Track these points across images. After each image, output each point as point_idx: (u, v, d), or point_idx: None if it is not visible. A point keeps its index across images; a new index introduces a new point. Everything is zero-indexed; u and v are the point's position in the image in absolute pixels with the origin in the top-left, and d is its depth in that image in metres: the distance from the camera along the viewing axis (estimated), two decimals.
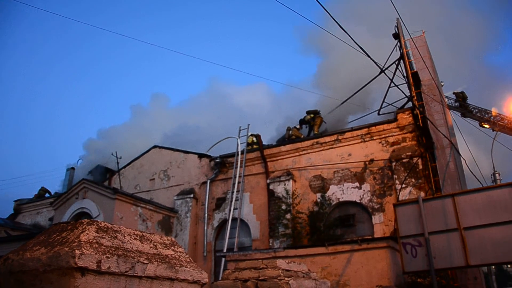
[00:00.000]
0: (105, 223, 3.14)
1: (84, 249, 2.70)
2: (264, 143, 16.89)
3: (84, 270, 2.65)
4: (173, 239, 3.70)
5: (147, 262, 3.05)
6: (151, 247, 3.28)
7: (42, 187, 23.91)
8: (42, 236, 3.15)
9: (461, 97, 25.27)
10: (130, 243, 3.13)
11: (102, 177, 20.98)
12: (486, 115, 24.89)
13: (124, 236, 3.15)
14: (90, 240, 2.84)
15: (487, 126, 24.38)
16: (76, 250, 2.64)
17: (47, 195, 23.36)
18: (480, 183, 16.04)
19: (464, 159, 16.29)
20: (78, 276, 2.63)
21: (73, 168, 25.00)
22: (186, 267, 3.36)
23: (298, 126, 17.62)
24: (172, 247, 3.51)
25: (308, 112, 17.77)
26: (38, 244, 2.99)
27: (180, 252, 3.53)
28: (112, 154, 18.98)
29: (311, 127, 17.42)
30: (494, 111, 24.92)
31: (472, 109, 25.32)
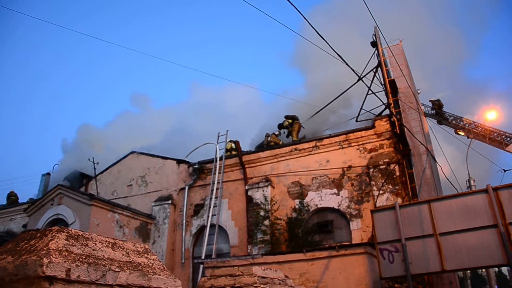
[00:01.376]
0: (76, 230, 3.06)
1: (53, 257, 2.62)
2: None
3: (52, 279, 2.57)
4: (147, 246, 3.63)
5: (119, 270, 2.98)
6: (123, 255, 3.21)
7: (11, 192, 23.36)
8: (10, 244, 3.05)
9: (437, 105, 25.74)
10: (102, 250, 3.06)
11: (79, 183, 20.62)
12: (461, 123, 25.40)
13: (96, 244, 3.07)
14: (60, 248, 2.76)
15: (462, 134, 24.87)
16: (44, 259, 2.55)
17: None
18: (456, 189, 16.34)
19: (440, 165, 16.56)
20: (46, 286, 2.55)
21: (48, 174, 24.48)
22: (159, 275, 3.30)
23: (277, 133, 17.63)
24: (145, 255, 3.44)
25: (286, 117, 17.83)
26: (5, 252, 2.89)
27: (153, 259, 3.47)
28: (89, 159, 18.66)
29: (289, 133, 17.47)
30: (466, 119, 25.47)
31: (448, 117, 25.81)
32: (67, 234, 2.94)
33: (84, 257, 2.85)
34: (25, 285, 2.58)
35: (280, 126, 17.82)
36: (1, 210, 22.37)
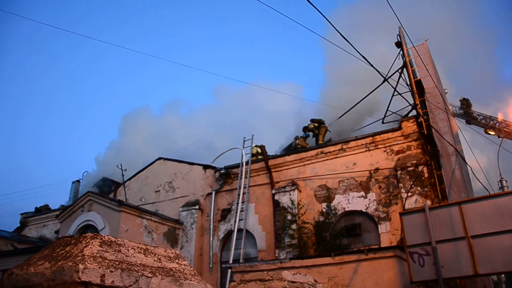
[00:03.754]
0: (108, 236, 3.13)
1: (88, 263, 2.69)
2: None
3: (87, 284, 2.63)
4: (178, 252, 3.68)
5: (151, 275, 3.02)
6: (155, 261, 3.26)
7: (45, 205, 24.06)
8: (46, 251, 3.14)
9: (465, 104, 25.23)
10: (134, 256, 3.12)
11: (108, 190, 21.02)
12: (491, 122, 24.81)
13: (128, 250, 3.13)
14: (94, 254, 2.83)
15: (493, 133, 24.28)
16: (79, 265, 2.62)
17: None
18: (487, 190, 15.91)
19: (470, 166, 16.19)
20: None
21: (78, 181, 25.07)
22: (190, 280, 3.34)
23: (304, 136, 17.70)
24: (177, 260, 3.49)
25: (312, 121, 17.85)
26: (42, 258, 2.98)
27: (184, 265, 3.51)
28: (118, 166, 19.01)
29: (315, 136, 17.46)
30: (500, 116, 24.84)
31: (477, 116, 25.26)
32: (100, 241, 3.01)
33: (117, 263, 2.91)
34: None
35: (305, 129, 17.85)
36: (34, 216, 23.03)
